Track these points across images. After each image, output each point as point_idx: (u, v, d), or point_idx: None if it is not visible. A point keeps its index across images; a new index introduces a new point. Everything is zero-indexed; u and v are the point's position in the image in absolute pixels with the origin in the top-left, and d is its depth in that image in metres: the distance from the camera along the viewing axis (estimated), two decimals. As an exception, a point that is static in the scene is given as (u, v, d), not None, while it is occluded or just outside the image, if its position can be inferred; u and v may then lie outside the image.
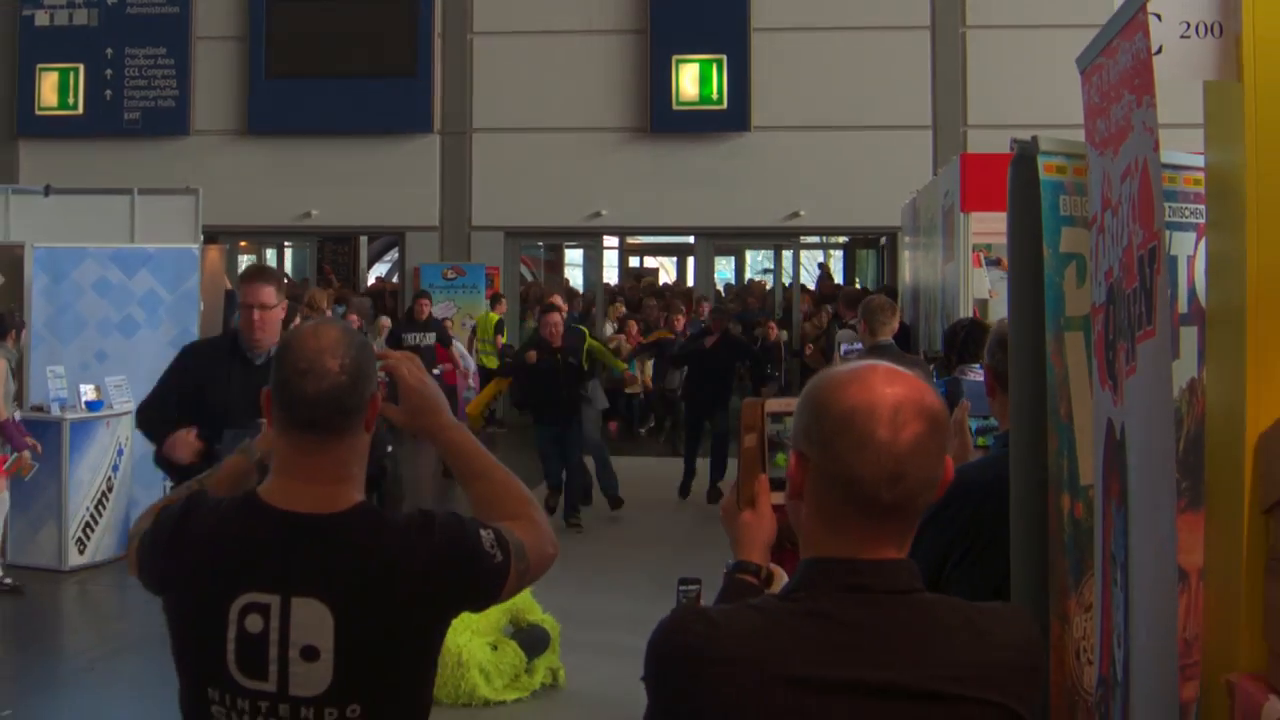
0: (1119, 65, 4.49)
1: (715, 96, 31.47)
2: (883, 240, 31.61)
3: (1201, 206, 5.10)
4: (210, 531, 4.41)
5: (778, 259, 36.89)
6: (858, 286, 30.23)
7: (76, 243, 19.87)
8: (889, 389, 3.55)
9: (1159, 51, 4.59)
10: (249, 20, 32.82)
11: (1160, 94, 4.67)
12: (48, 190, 21.89)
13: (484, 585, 4.47)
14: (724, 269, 35.40)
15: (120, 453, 17.85)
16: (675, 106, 31.61)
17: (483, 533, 4.49)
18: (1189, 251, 5.17)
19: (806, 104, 30.36)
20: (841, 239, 34.69)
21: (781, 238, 34.39)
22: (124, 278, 19.55)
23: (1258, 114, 4.38)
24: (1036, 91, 25.62)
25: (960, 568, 5.49)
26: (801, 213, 31.38)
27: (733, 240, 34.71)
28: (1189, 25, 4.54)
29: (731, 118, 31.36)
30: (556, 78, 31.54)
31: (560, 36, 31.61)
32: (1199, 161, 5.06)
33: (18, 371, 17.95)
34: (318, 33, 32.44)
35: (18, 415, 17.02)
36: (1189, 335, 5.15)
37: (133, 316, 19.54)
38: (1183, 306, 5.14)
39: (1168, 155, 5.14)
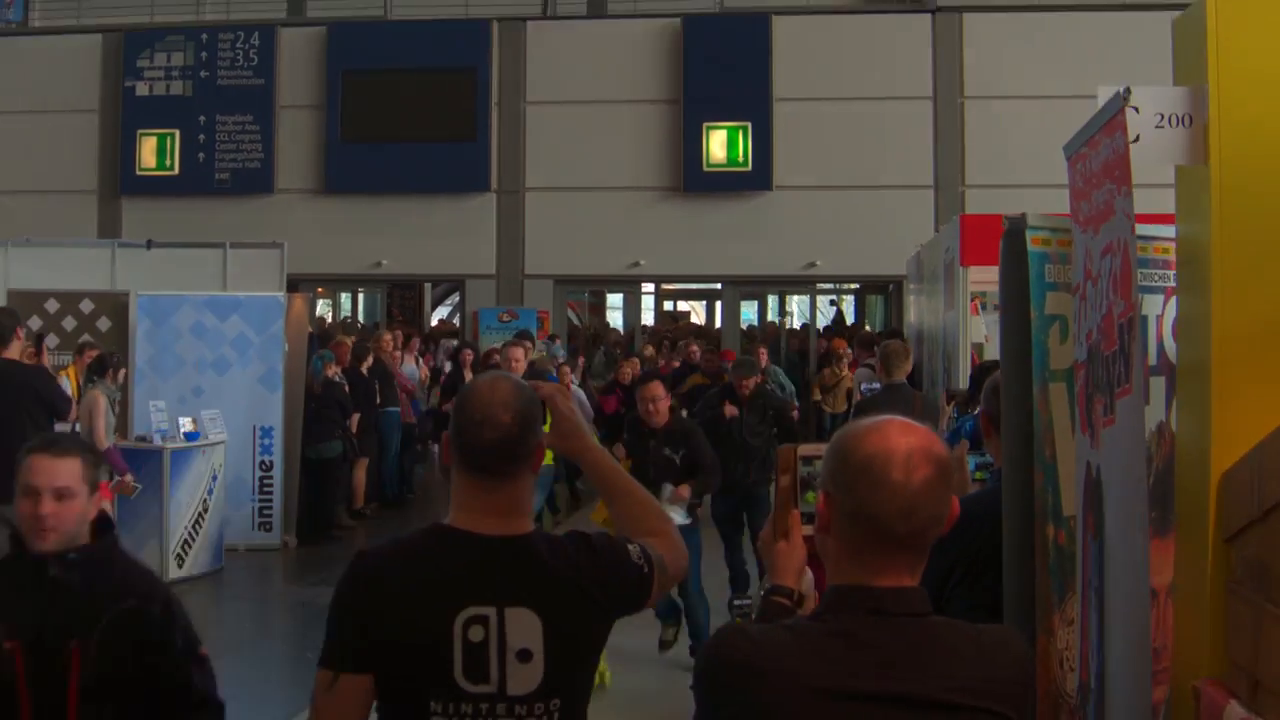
0: (1100, 156, 4.58)
1: (741, 159, 31.48)
2: (890, 287, 31.60)
3: (1169, 272, 5.20)
4: (416, 565, 4.54)
5: (782, 304, 36.85)
6: (866, 329, 30.10)
7: (175, 290, 20.02)
8: (903, 439, 3.66)
9: (1136, 140, 4.69)
10: (326, 91, 32.91)
11: (1136, 170, 4.80)
12: (149, 244, 22.03)
13: (636, 594, 4.63)
14: (748, 311, 35.39)
15: (214, 478, 17.92)
16: (705, 168, 31.62)
17: (630, 548, 4.67)
18: (1157, 311, 5.29)
19: (822, 166, 30.38)
20: (853, 286, 34.66)
21: (799, 285, 34.40)
22: (217, 322, 19.69)
23: (1222, 194, 4.48)
24: (1027, 156, 25.58)
25: (961, 586, 5.57)
26: (818, 263, 31.36)
27: (756, 287, 34.70)
28: (1163, 117, 4.64)
29: (755, 178, 31.38)
30: (600, 142, 31.60)
31: (603, 106, 31.68)
32: (1166, 232, 5.16)
33: (119, 406, 18.06)
34: (387, 102, 32.55)
35: (119, 444, 17.14)
36: (1158, 384, 5.24)
37: (225, 357, 19.68)
38: (1152, 359, 5.23)
39: (1145, 229, 5.26)
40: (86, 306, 20.07)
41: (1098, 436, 4.83)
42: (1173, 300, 5.18)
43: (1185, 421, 4.79)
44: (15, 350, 13.40)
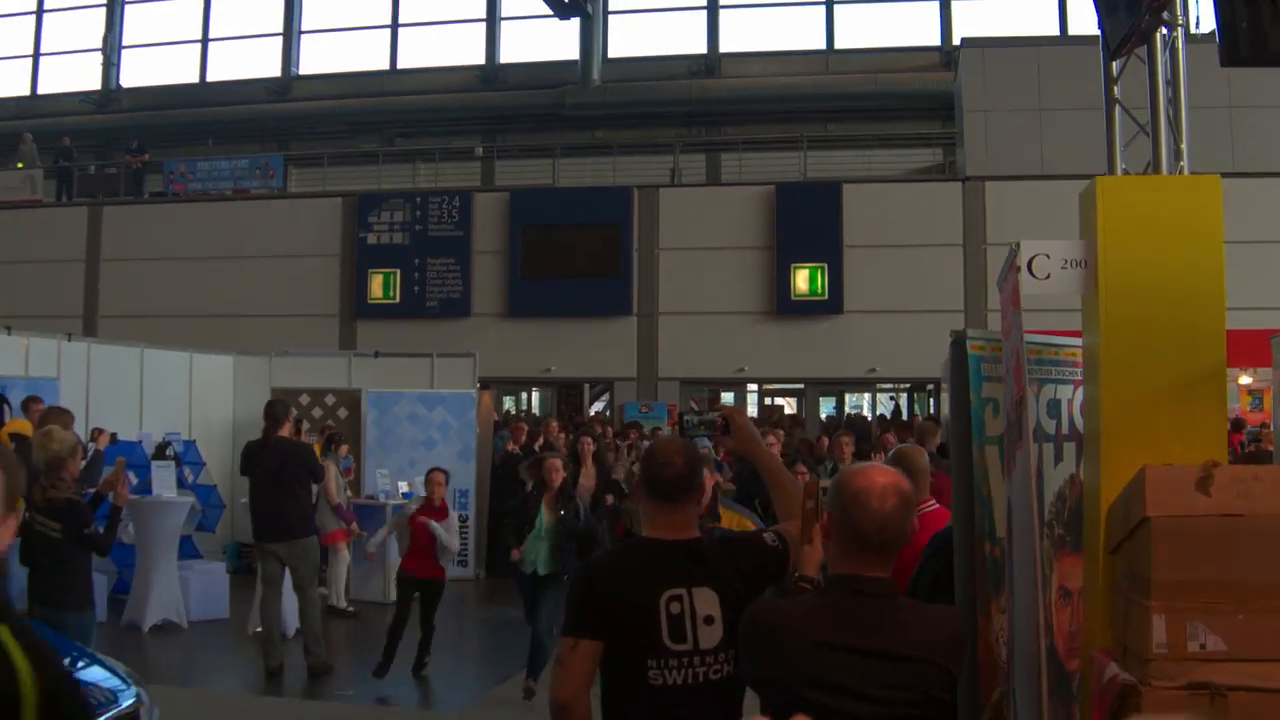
0: (1009, 289, 4.91)
1: (819, 290, 31.26)
2: (929, 386, 31.51)
3: (1077, 369, 5.48)
4: (630, 563, 5.03)
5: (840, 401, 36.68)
6: (915, 416, 30.04)
7: (395, 389, 20.45)
8: (880, 478, 4.15)
9: (1048, 277, 5.06)
10: (509, 240, 33.12)
11: (1057, 300, 5.16)
12: (377, 354, 22.43)
13: (776, 567, 4.99)
14: (827, 406, 35.23)
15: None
16: (792, 297, 31.48)
17: (765, 536, 5.14)
18: (1069, 397, 5.48)
19: (879, 295, 30.25)
20: (905, 385, 34.48)
21: (863, 385, 34.35)
22: (426, 411, 20.08)
23: (1107, 316, 4.84)
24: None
25: (938, 585, 5.90)
26: (877, 369, 31.44)
27: (831, 386, 34.65)
28: (1067, 261, 4.98)
29: (830, 304, 31.19)
30: (713, 277, 31.63)
31: (716, 251, 31.72)
32: (1075, 343, 5.46)
33: (352, 473, 18.51)
34: (554, 248, 32.80)
35: (351, 501, 17.54)
36: (1070, 448, 5.51)
37: (432, 437, 20.04)
38: (1064, 429, 5.51)
39: (1060, 339, 5.58)
40: (330, 400, 20.49)
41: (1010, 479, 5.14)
42: (1080, 389, 5.47)
43: (1086, 470, 5.10)
44: (287, 430, 13.99)
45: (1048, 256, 4.97)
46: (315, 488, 14.75)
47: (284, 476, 13.64)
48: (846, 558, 4.18)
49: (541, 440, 22.19)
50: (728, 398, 35.77)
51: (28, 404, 14.49)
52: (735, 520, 7.59)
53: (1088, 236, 4.96)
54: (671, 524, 4.95)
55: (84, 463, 11.13)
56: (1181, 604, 4.04)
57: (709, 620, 4.79)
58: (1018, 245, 4.92)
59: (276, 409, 14.13)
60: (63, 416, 12.36)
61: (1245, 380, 21.61)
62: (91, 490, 10.56)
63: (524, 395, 37.52)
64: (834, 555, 4.27)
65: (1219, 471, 4.16)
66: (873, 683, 4.02)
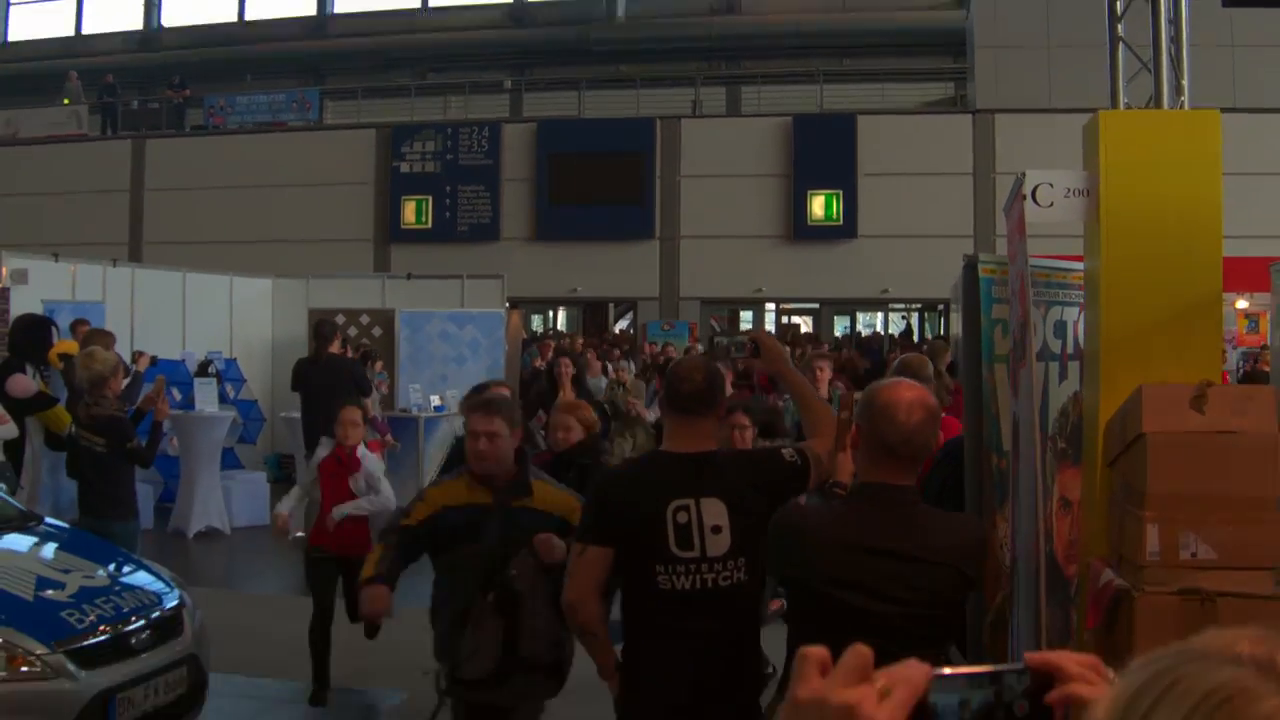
0: (1014, 217, 4.91)
1: (834, 216, 31.30)
2: (940, 306, 31.49)
3: (1081, 293, 5.49)
4: (640, 474, 5.11)
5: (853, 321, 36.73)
6: (927, 337, 30.08)
7: (427, 309, 20.48)
8: (907, 393, 4.18)
9: (1051, 205, 5.05)
10: (536, 168, 33.19)
11: (1060, 227, 5.16)
12: (409, 276, 22.42)
13: (795, 482, 4.97)
14: (842, 325, 35.27)
15: (456, 437, 18.23)
16: (809, 222, 31.55)
17: (784, 451, 5.11)
18: (1074, 319, 5.54)
19: (892, 221, 30.25)
20: (916, 305, 34.47)
21: (876, 305, 34.41)
22: (457, 330, 20.04)
23: (1107, 243, 4.85)
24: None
25: (945, 490, 5.93)
26: (889, 289, 31.47)
27: (845, 306, 34.70)
28: (1069, 190, 4.98)
29: (845, 230, 31.22)
30: (733, 203, 31.57)
31: (735, 178, 31.66)
32: (1079, 267, 5.46)
33: (386, 387, 18.58)
34: (580, 176, 32.82)
35: (385, 414, 17.62)
36: (1074, 367, 5.55)
37: (462, 354, 19.99)
38: (1069, 349, 5.53)
39: (1067, 264, 5.58)
40: (365, 319, 20.49)
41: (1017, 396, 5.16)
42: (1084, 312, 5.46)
43: (1086, 389, 5.12)
44: (336, 347, 14.12)
45: (1051, 185, 4.96)
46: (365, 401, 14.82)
47: (336, 390, 13.67)
48: (873, 467, 4.22)
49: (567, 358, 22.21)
50: (746, 316, 35.83)
51: (75, 326, 14.54)
52: (550, 494, 6.20)
53: (1090, 167, 4.95)
54: (688, 437, 4.97)
55: (125, 382, 11.19)
56: (1174, 515, 4.08)
57: (716, 530, 4.81)
58: (1023, 175, 4.92)
59: (325, 328, 14.29)
60: (105, 338, 12.42)
61: (1242, 304, 21.56)
62: (133, 407, 10.65)
63: (551, 314, 37.62)
64: (861, 464, 4.31)
65: (1213, 391, 4.19)
66: (892, 583, 4.08)
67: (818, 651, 1.38)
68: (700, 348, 24.15)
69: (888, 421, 4.13)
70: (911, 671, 1.37)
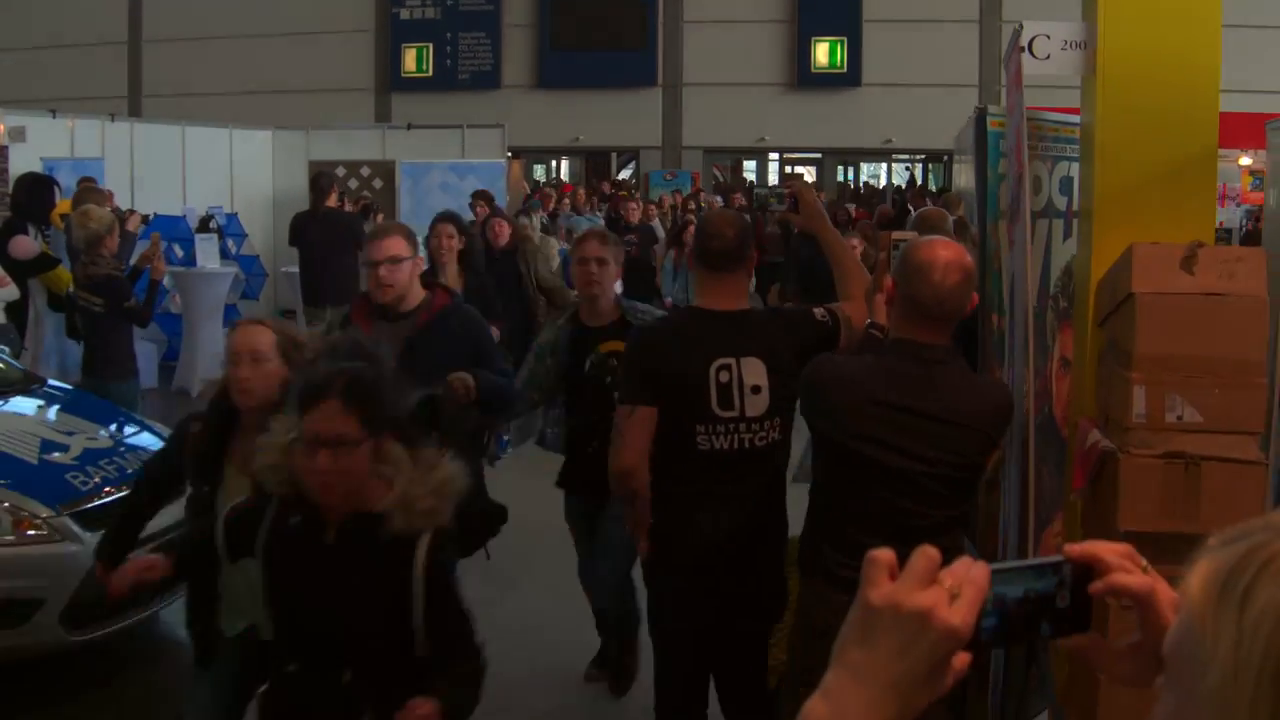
0: (1012, 69, 4.84)
1: (839, 64, 31.17)
2: (944, 157, 31.35)
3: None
4: (682, 332, 5.01)
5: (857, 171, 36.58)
6: (934, 186, 30.05)
7: (428, 159, 20.37)
8: (944, 252, 4.20)
9: (1048, 58, 4.99)
10: (539, 12, 32.92)
11: (1057, 79, 5.10)
12: (409, 126, 22.29)
13: (827, 339, 4.92)
14: (843, 174, 35.22)
15: None
16: (813, 70, 31.38)
17: (815, 311, 5.08)
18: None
19: (896, 69, 30.00)
20: (920, 156, 34.34)
21: (879, 155, 34.26)
22: (458, 180, 19.88)
23: (1103, 95, 4.79)
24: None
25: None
26: (893, 139, 31.30)
27: (849, 156, 34.60)
28: (1067, 43, 4.90)
29: (849, 77, 31.06)
30: (736, 50, 31.39)
31: (739, 24, 31.39)
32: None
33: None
34: (584, 21, 32.54)
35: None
36: (1078, 224, 5.51)
37: (464, 207, 20.01)
38: (1075, 206, 5.44)
39: (1075, 118, 5.50)
40: (365, 171, 20.42)
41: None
42: (1080, 166, 5.41)
43: (1079, 246, 5.10)
44: (333, 200, 14.05)
45: (1048, 37, 4.87)
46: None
47: (334, 245, 13.69)
48: (906, 324, 4.23)
49: (568, 205, 22.19)
50: (749, 166, 35.69)
51: (81, 184, 14.56)
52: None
53: (1089, 19, 4.88)
54: (723, 294, 4.94)
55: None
56: (1161, 376, 4.06)
57: (756, 389, 4.81)
58: (1020, 26, 4.85)
59: (322, 181, 14.21)
60: (98, 194, 12.37)
61: (1246, 161, 21.30)
62: (130, 265, 10.61)
63: (553, 164, 37.48)
64: (895, 320, 4.31)
65: (1203, 252, 4.15)
66: (916, 440, 4.12)
67: (885, 555, 1.38)
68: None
69: (923, 280, 4.13)
70: (975, 572, 1.38)
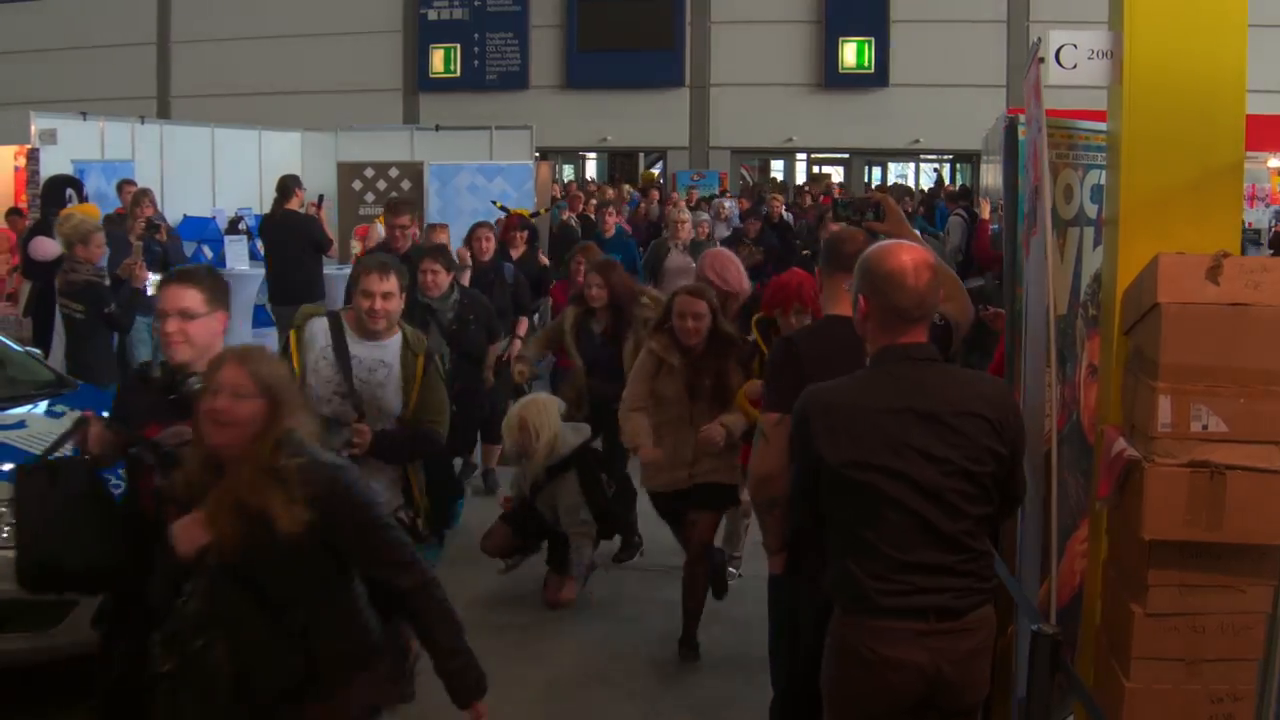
0: (1031, 80, 4.85)
1: (866, 64, 31.15)
2: (972, 158, 31.30)
3: None
4: (831, 339, 4.95)
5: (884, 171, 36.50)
6: (956, 186, 29.94)
7: (456, 160, 20.40)
8: (906, 255, 4.15)
9: (1074, 67, 5.00)
10: (566, 14, 33.00)
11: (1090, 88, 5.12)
12: (438, 127, 22.32)
13: (942, 341, 4.79)
14: (873, 176, 35.13)
15: None
16: (840, 70, 31.39)
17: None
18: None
19: (924, 70, 30.01)
20: (948, 156, 34.27)
21: (907, 155, 34.20)
22: (486, 182, 19.93)
23: (1129, 104, 4.81)
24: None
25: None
26: (920, 140, 31.27)
27: (876, 156, 34.52)
28: (1094, 52, 4.92)
29: (876, 78, 31.07)
30: (764, 50, 31.40)
31: (767, 24, 31.45)
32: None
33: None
34: (611, 22, 32.59)
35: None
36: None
37: (492, 208, 20.05)
38: (1105, 214, 5.49)
39: (1098, 125, 5.50)
40: (394, 173, 20.46)
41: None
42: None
43: (1105, 255, 5.11)
44: (295, 203, 14.07)
45: (1075, 47, 4.89)
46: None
47: (289, 247, 13.86)
48: (887, 331, 4.16)
49: (594, 203, 22.14)
50: (777, 166, 35.66)
51: (121, 186, 14.80)
52: None
53: (1116, 27, 4.89)
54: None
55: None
56: (1186, 386, 4.07)
57: None
58: (1038, 40, 4.86)
59: (288, 182, 14.26)
60: (143, 196, 12.42)
61: (1275, 163, 21.18)
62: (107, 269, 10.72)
63: (581, 164, 37.51)
64: (873, 332, 4.22)
65: (1229, 262, 4.15)
66: (930, 442, 4.02)
67: None
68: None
69: (897, 287, 4.09)
70: None
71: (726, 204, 21.57)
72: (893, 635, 4.01)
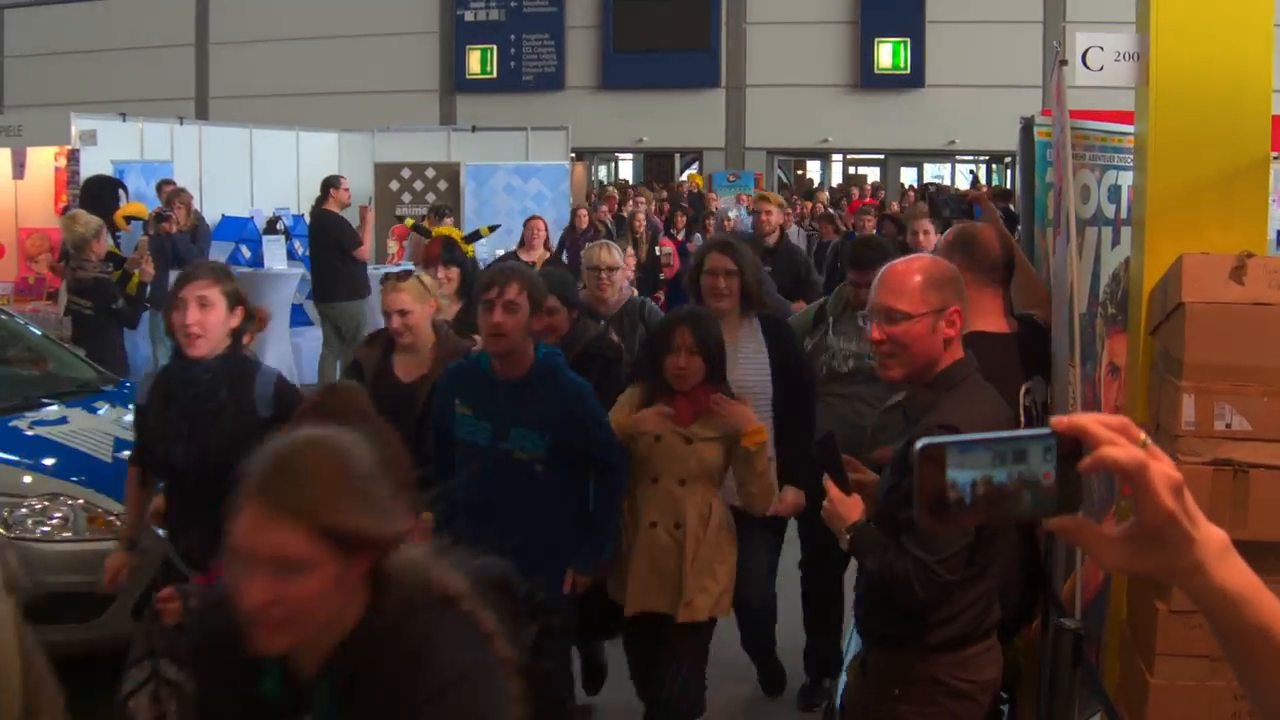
0: (1053, 84, 4.88)
1: (902, 65, 31.07)
2: (1007, 158, 31.22)
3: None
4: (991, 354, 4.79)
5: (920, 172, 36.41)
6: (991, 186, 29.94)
7: (492, 161, 20.49)
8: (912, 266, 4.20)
9: (1101, 69, 5.03)
10: (602, 13, 33.05)
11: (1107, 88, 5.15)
12: (474, 128, 22.41)
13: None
14: (908, 177, 35.05)
15: None
16: (876, 71, 31.34)
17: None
18: (1129, 183, 5.50)
19: (960, 70, 29.93)
20: (984, 157, 34.17)
21: (943, 156, 34.14)
22: (521, 183, 20.02)
23: (1156, 105, 4.84)
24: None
25: None
26: (956, 140, 31.21)
27: (912, 157, 34.48)
28: (1120, 54, 4.95)
29: (913, 78, 30.99)
30: (800, 50, 31.38)
31: (802, 25, 31.40)
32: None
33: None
34: (647, 22, 32.63)
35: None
36: (1127, 232, 5.49)
37: (528, 207, 19.95)
38: (1123, 214, 5.49)
39: (1124, 127, 5.54)
40: (430, 174, 20.54)
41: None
42: (1135, 175, 5.45)
43: (1132, 255, 5.13)
44: (332, 203, 14.28)
45: (1101, 49, 4.92)
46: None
47: (315, 246, 14.30)
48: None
49: (630, 203, 22.17)
50: (813, 167, 35.66)
51: (160, 186, 15.00)
52: None
53: (1141, 30, 4.92)
54: (993, 312, 4.98)
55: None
56: (1210, 385, 4.10)
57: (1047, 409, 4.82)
58: (1059, 44, 4.90)
59: (326, 181, 14.53)
60: (182, 195, 12.52)
61: (1298, 164, 21.12)
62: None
63: (616, 165, 37.58)
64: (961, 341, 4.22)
65: (1252, 262, 4.18)
66: None
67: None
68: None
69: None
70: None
71: (731, 213, 21.26)
72: None
